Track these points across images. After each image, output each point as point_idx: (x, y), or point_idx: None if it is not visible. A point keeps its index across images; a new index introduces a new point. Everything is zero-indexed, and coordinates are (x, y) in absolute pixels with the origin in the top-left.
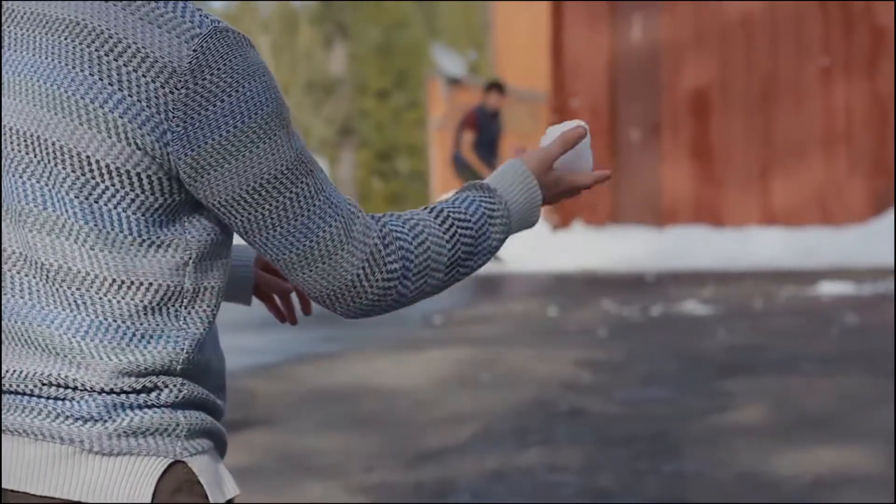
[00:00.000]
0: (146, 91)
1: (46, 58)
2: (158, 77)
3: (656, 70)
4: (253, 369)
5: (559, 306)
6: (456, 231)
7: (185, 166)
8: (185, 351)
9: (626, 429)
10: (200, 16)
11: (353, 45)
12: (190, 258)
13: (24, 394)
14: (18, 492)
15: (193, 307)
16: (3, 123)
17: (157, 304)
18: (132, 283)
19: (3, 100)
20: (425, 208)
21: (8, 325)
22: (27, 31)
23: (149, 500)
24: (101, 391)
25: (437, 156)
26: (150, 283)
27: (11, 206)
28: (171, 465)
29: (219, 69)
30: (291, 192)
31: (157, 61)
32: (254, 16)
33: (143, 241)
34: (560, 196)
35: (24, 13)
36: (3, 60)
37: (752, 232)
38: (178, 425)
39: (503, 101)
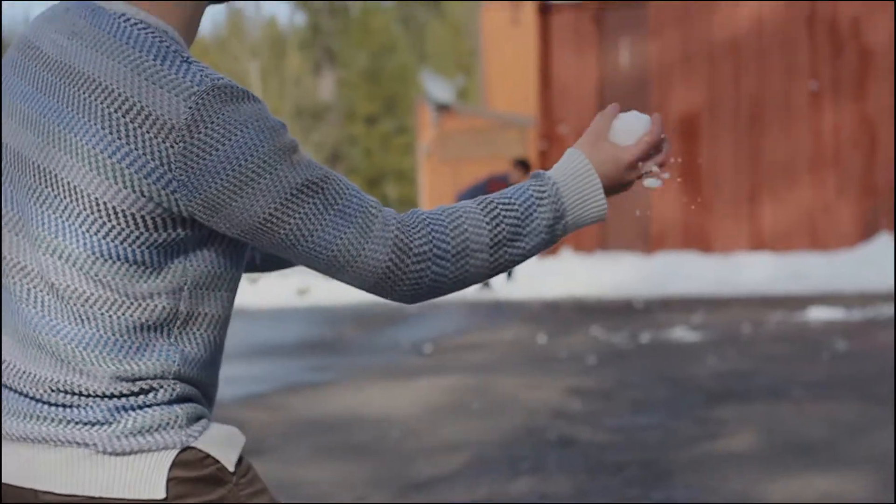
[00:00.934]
0: (150, 145)
1: (69, 108)
2: (160, 133)
3: (645, 95)
4: (243, 399)
5: (549, 333)
6: (499, 213)
7: (198, 209)
8: (175, 364)
9: (616, 456)
10: (201, 75)
11: (341, 71)
12: (185, 284)
13: (37, 400)
14: (43, 491)
15: (186, 329)
16: (28, 157)
17: (152, 323)
18: (131, 303)
19: (29, 135)
20: (473, 200)
21: (24, 331)
22: (55, 78)
23: (162, 493)
24: (103, 396)
25: (426, 181)
26: (147, 304)
27: (30, 229)
28: (180, 453)
29: (213, 122)
30: (300, 214)
31: (157, 119)
32: (242, 41)
33: (145, 268)
34: (627, 184)
35: (55, 61)
36: (34, 100)
37: (740, 257)
38: (177, 418)
39: (517, 177)
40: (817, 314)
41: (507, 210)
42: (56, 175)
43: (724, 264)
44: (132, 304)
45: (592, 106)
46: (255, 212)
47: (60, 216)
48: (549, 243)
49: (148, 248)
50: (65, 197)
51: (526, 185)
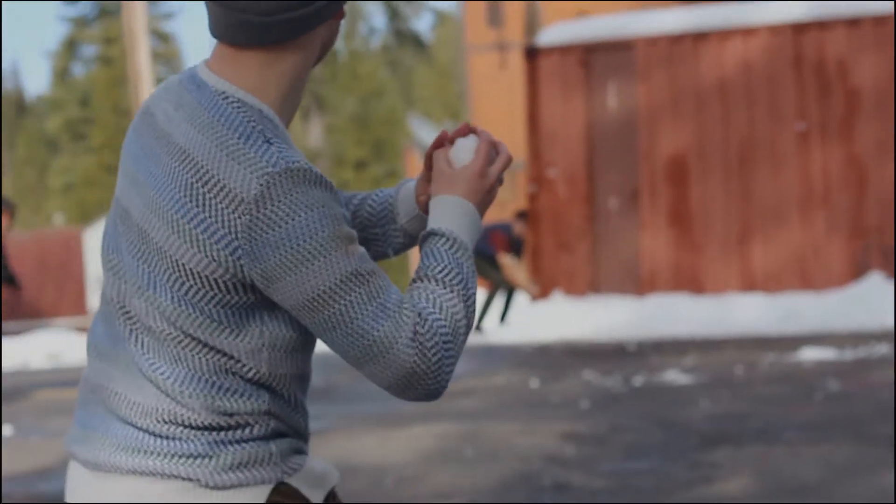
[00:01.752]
0: (221, 215)
1: (163, 175)
2: (231, 204)
3: (633, 137)
4: None
5: (541, 378)
6: (449, 283)
7: (257, 276)
8: (266, 403)
9: (611, 501)
10: (278, 156)
11: (329, 117)
12: (264, 345)
13: (145, 431)
14: None
15: (269, 384)
16: (131, 214)
17: (237, 370)
18: (217, 349)
19: (134, 195)
20: (417, 280)
21: (131, 367)
22: (158, 146)
23: None
24: (203, 428)
25: None
26: (231, 356)
27: (132, 279)
28: (275, 488)
29: (279, 201)
30: (346, 300)
31: (230, 191)
32: None
33: (224, 327)
34: (496, 184)
35: (161, 129)
36: (141, 163)
37: (732, 298)
38: (271, 454)
39: (525, 231)
40: (810, 354)
41: (449, 275)
42: (149, 234)
43: (716, 305)
44: (217, 350)
45: (581, 149)
46: (305, 290)
47: (152, 271)
48: (475, 276)
49: (224, 307)
50: (154, 254)
51: (436, 248)
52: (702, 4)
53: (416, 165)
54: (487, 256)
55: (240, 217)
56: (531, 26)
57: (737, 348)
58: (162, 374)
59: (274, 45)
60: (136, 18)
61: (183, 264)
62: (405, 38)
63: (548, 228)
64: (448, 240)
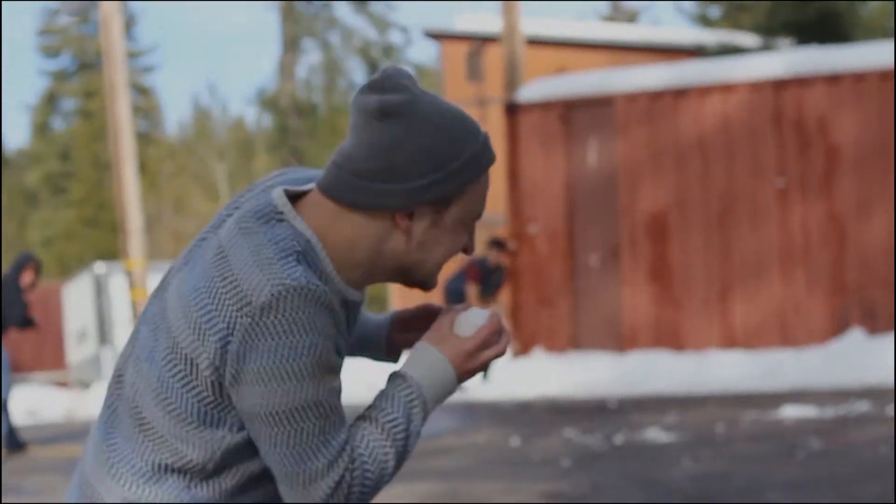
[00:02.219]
0: (227, 311)
1: (199, 264)
2: (238, 303)
3: (614, 193)
4: None
5: (522, 436)
6: (393, 434)
7: (228, 374)
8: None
9: None
10: (300, 273)
11: None
12: (219, 450)
13: (81, 483)
14: None
15: (207, 482)
16: (167, 291)
17: (178, 467)
18: (172, 446)
19: (175, 275)
20: (366, 420)
21: (97, 430)
22: (211, 238)
23: None
24: None
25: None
26: (185, 455)
27: (138, 347)
28: None
29: (283, 315)
30: (298, 426)
31: (242, 291)
32: (210, 143)
33: (191, 422)
34: (481, 368)
35: (222, 225)
36: (195, 249)
37: (712, 355)
38: None
39: (503, 258)
40: (791, 412)
41: (394, 426)
42: (167, 314)
43: (697, 362)
44: (172, 450)
45: (562, 205)
46: (267, 403)
47: (156, 346)
48: (419, 434)
49: (200, 402)
50: (164, 332)
51: (397, 394)
52: (681, 61)
53: None
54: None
55: (242, 318)
56: (511, 82)
57: (718, 405)
58: (111, 444)
59: (340, 203)
60: (117, 72)
61: (181, 347)
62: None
63: (528, 284)
64: (412, 391)
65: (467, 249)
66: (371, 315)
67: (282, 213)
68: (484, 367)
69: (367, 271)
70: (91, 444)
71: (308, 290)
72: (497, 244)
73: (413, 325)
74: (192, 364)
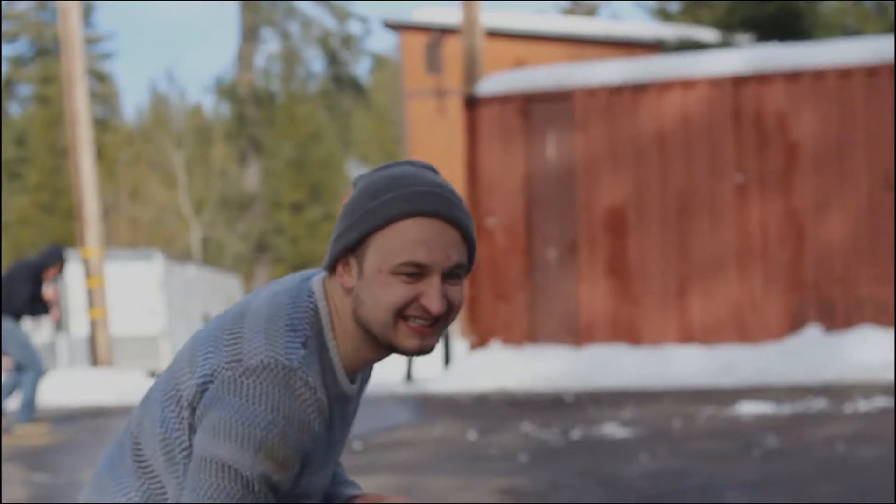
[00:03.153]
0: (219, 359)
1: (218, 322)
2: (230, 357)
3: (572, 188)
4: None
5: (479, 430)
6: None
7: (198, 414)
8: None
9: None
10: (297, 355)
11: (267, 160)
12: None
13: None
14: None
15: None
16: (196, 339)
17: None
18: (161, 485)
19: (209, 326)
20: None
21: (102, 467)
22: (236, 306)
23: None
24: None
25: None
26: (166, 495)
27: (156, 386)
28: None
29: (261, 383)
30: (220, 482)
31: (239, 349)
32: (167, 130)
33: (176, 474)
34: None
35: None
36: (231, 309)
37: (669, 350)
38: None
39: None
40: (748, 408)
41: None
42: (182, 359)
43: (653, 357)
44: (161, 481)
45: (520, 199)
46: (206, 449)
47: (165, 386)
48: None
49: (181, 448)
50: (173, 377)
51: None
52: (641, 55)
53: None
54: None
55: (226, 370)
56: (470, 74)
57: (674, 401)
58: (114, 477)
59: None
60: (75, 59)
61: (179, 389)
62: (343, 82)
63: (486, 278)
64: None
65: (425, 302)
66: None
67: (313, 293)
68: None
69: (354, 344)
70: (95, 474)
71: (295, 374)
72: None
73: None
74: (182, 408)
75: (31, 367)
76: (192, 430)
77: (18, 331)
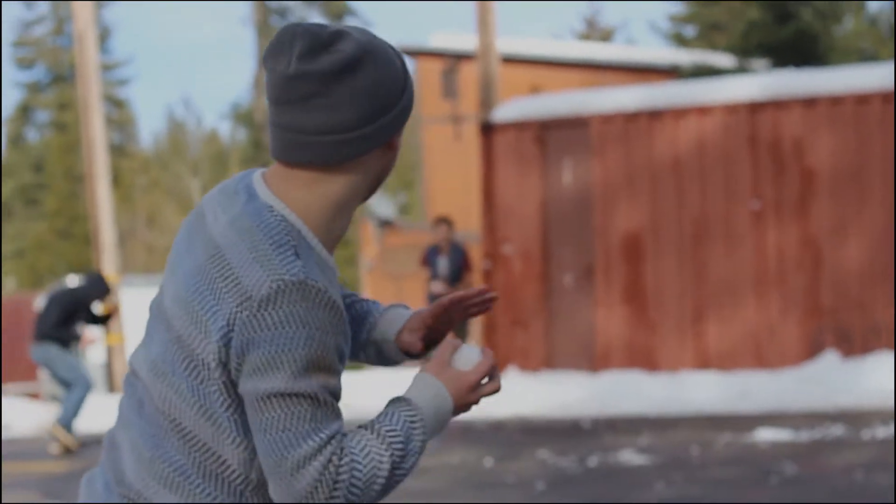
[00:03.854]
0: (227, 304)
1: (195, 269)
2: (238, 298)
3: (588, 214)
4: None
5: (495, 457)
6: (390, 443)
7: (233, 369)
8: None
9: None
10: (298, 268)
11: None
12: (257, 457)
13: (113, 482)
14: None
15: (253, 491)
16: (165, 305)
17: (226, 477)
18: (214, 452)
19: (169, 287)
20: (364, 428)
21: (136, 445)
22: (199, 244)
23: None
24: None
25: (369, 296)
26: (225, 461)
27: (159, 365)
28: None
29: (281, 308)
30: (287, 411)
31: (240, 285)
32: (184, 157)
33: (229, 433)
34: (468, 403)
35: (207, 231)
36: (181, 258)
37: (686, 376)
38: None
39: (441, 234)
40: (765, 435)
41: (393, 437)
42: (173, 324)
43: (670, 383)
44: (215, 456)
45: (536, 225)
46: (260, 389)
47: (174, 359)
48: (419, 457)
49: (227, 409)
50: (175, 343)
51: (400, 413)
52: (656, 80)
53: (369, 236)
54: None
55: (241, 312)
56: (486, 100)
57: (691, 427)
58: (161, 456)
59: (323, 167)
60: (90, 86)
61: (196, 353)
62: None
63: (503, 304)
64: (413, 413)
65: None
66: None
67: (271, 206)
68: (478, 402)
69: (327, 227)
70: (129, 451)
71: (306, 285)
72: (444, 220)
73: (420, 324)
74: (206, 367)
75: (79, 384)
76: (230, 386)
77: (65, 354)
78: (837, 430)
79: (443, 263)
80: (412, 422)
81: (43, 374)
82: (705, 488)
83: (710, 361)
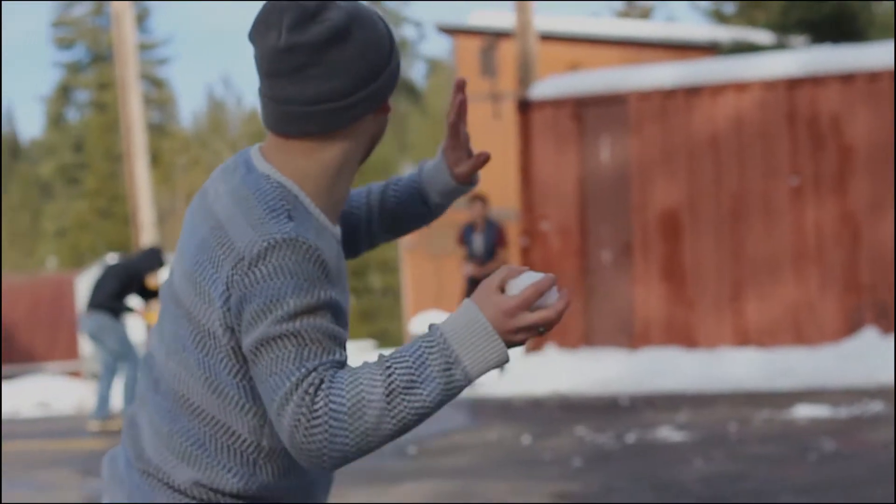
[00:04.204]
0: (224, 269)
1: (198, 244)
2: (233, 261)
3: (626, 191)
4: None
5: (533, 434)
6: (391, 364)
7: (235, 329)
8: (248, 485)
9: None
10: (291, 226)
11: None
12: (266, 421)
13: (145, 473)
14: None
15: (264, 458)
16: (174, 282)
17: (238, 447)
18: (225, 425)
19: (177, 266)
20: (376, 359)
21: (153, 421)
22: (201, 219)
23: None
24: (183, 492)
25: (408, 275)
26: (235, 432)
27: (170, 343)
28: None
29: (270, 262)
30: (274, 353)
31: (236, 250)
32: (224, 135)
33: (237, 400)
34: (528, 331)
35: (208, 206)
36: (186, 236)
37: (724, 353)
38: None
39: (476, 212)
40: (804, 412)
41: (398, 362)
42: (181, 299)
43: (709, 360)
44: (225, 429)
45: (574, 202)
46: (255, 337)
47: (185, 334)
48: (452, 390)
49: (236, 377)
50: (184, 318)
51: (417, 340)
52: (695, 58)
53: None
54: None
55: (236, 273)
56: (524, 78)
57: (730, 404)
58: (177, 431)
59: (317, 136)
60: (128, 65)
61: (203, 324)
62: (399, 86)
63: None
64: (433, 340)
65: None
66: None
67: (268, 175)
68: (533, 331)
69: (329, 191)
70: (148, 428)
71: (297, 241)
72: (474, 198)
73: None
74: (213, 336)
75: (128, 359)
76: (238, 351)
77: (118, 325)
78: (876, 407)
79: (478, 241)
80: (429, 346)
81: (87, 352)
82: (743, 464)
83: (748, 338)
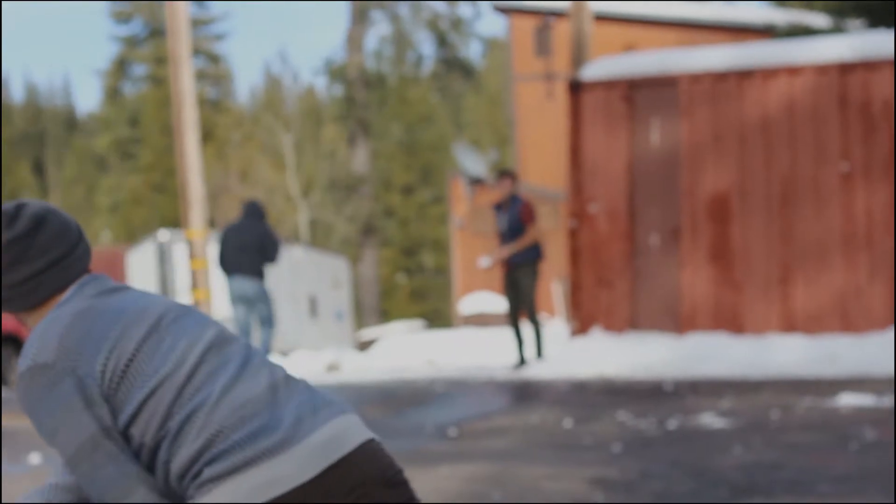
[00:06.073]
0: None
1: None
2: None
3: (675, 174)
4: None
5: (575, 418)
6: None
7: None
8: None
9: None
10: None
11: (376, 142)
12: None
13: None
14: None
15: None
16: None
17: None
18: None
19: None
20: None
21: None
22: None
23: None
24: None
25: (458, 254)
26: None
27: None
28: None
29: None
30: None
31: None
32: (277, 113)
33: None
34: None
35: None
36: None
37: (771, 339)
38: None
39: (503, 188)
40: (847, 400)
41: None
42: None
43: (755, 346)
44: None
45: (623, 185)
46: None
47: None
48: None
49: None
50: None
51: None
52: (751, 40)
53: (460, 194)
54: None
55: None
56: (578, 58)
57: (774, 391)
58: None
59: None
60: (180, 39)
61: None
62: (453, 65)
63: (588, 264)
64: None
65: None
66: None
67: None
68: None
69: None
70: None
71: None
72: (502, 175)
73: None
74: None
75: (270, 324)
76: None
77: (267, 290)
78: None
79: (502, 219)
80: None
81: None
82: (783, 453)
83: (796, 324)
